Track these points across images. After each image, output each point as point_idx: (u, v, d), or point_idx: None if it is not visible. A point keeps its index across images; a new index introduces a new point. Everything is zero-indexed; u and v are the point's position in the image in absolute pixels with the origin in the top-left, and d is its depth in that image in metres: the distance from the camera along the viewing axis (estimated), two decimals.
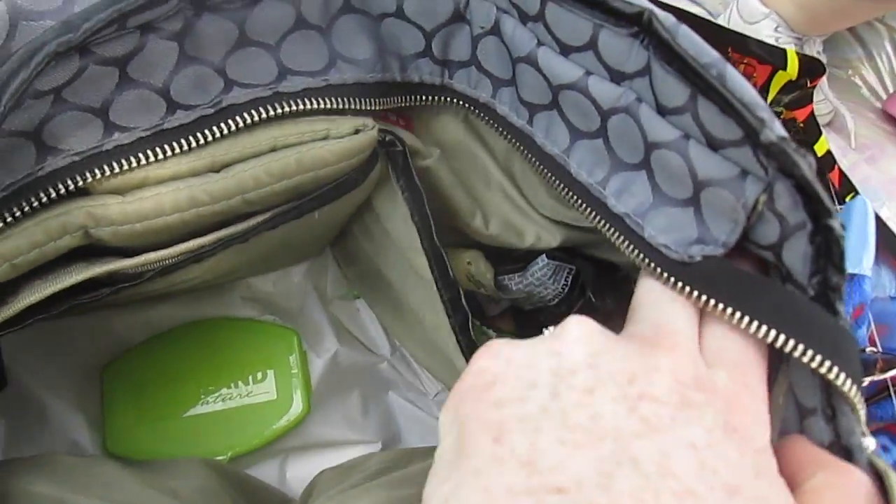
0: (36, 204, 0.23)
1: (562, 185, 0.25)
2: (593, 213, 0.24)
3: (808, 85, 0.78)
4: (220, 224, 0.27)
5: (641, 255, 0.22)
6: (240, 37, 0.24)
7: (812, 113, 0.78)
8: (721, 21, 0.83)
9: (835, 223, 0.18)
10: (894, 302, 0.65)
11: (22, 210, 0.23)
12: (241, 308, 0.41)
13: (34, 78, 0.20)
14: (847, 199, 0.75)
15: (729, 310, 0.19)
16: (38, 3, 0.21)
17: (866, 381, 0.48)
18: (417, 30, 0.26)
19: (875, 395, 0.49)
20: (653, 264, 0.21)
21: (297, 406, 0.39)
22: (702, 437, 0.16)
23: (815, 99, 0.78)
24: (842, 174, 0.77)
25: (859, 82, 0.84)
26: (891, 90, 0.81)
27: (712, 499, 0.16)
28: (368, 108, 0.26)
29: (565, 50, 0.23)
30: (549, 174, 0.25)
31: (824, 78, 0.78)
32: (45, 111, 0.22)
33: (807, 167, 0.18)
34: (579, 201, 0.24)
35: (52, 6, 0.21)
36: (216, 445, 0.38)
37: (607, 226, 0.23)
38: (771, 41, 0.80)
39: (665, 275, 0.21)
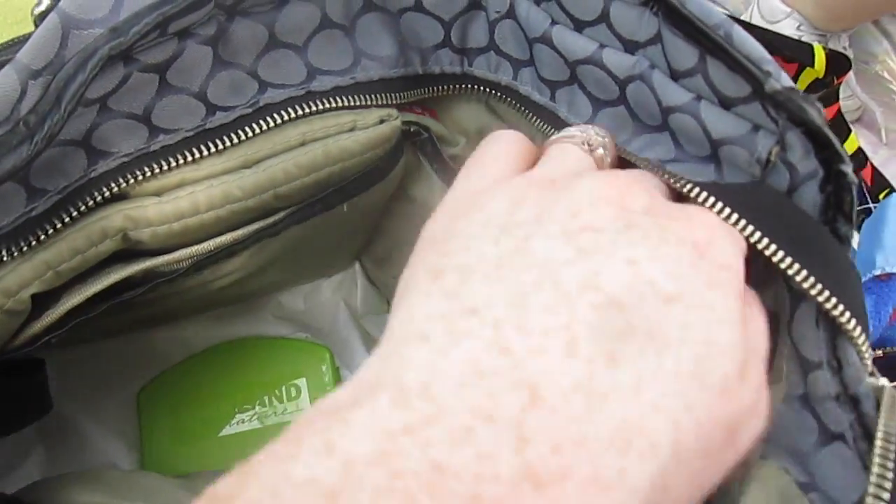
0: (83, 208, 0.26)
1: None
2: None
3: (834, 82, 0.80)
4: (253, 221, 0.29)
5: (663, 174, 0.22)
6: (270, 39, 0.27)
7: (839, 111, 0.80)
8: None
9: (847, 168, 0.19)
10: None
11: (70, 215, 0.25)
12: (273, 326, 0.43)
13: (90, 82, 0.23)
14: (881, 197, 0.76)
15: (735, 216, 0.19)
16: (87, 12, 0.23)
17: None
18: (436, 21, 0.29)
19: None
20: (670, 178, 0.22)
21: None
22: (643, 254, 0.18)
23: (842, 95, 0.80)
24: (874, 171, 0.78)
25: (887, 76, 0.85)
26: None
27: (642, 306, 0.17)
28: (393, 102, 0.29)
29: (579, 25, 0.25)
30: None
31: (851, 73, 0.80)
32: (91, 120, 0.25)
33: (816, 113, 0.19)
34: None
35: (99, 15, 0.23)
36: None
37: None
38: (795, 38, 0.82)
39: (686, 185, 0.21)
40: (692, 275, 0.18)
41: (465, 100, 0.32)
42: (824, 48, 0.79)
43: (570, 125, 0.27)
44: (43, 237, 0.25)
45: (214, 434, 0.40)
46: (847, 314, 0.19)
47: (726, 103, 0.22)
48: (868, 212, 0.71)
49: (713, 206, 0.20)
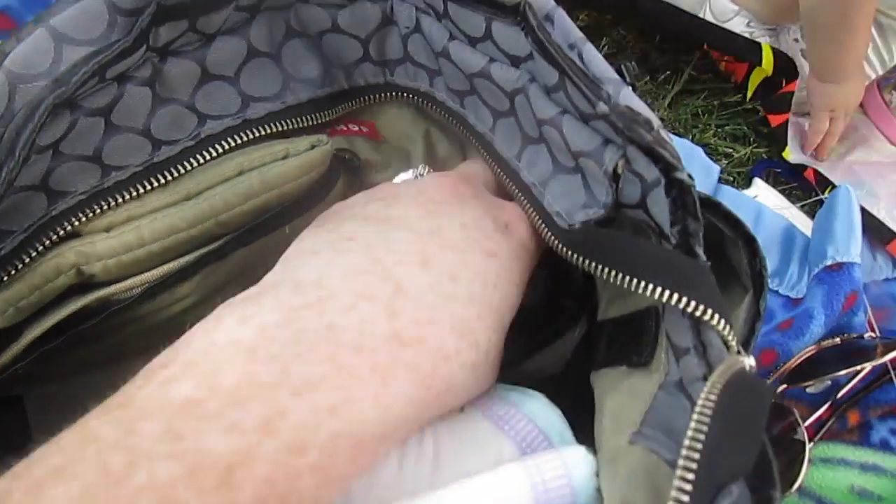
0: (41, 248, 0.28)
1: (491, 161, 0.30)
2: (510, 182, 0.29)
3: (784, 86, 0.83)
4: (199, 248, 0.32)
5: (540, 221, 0.27)
6: (203, 73, 0.30)
7: (786, 121, 0.84)
8: None
9: (682, 175, 0.22)
10: (890, 283, 0.66)
11: (29, 255, 0.28)
12: None
13: (40, 129, 0.25)
14: (827, 192, 0.78)
15: (589, 260, 0.24)
16: (30, 68, 0.25)
17: (867, 366, 0.50)
18: (354, 39, 0.31)
19: (877, 380, 0.52)
20: (546, 229, 0.27)
21: None
22: (471, 221, 0.25)
23: (797, 86, 0.84)
24: (815, 171, 0.81)
25: None
26: (877, 68, 0.85)
27: (471, 253, 0.24)
28: (326, 119, 0.32)
29: (472, 42, 0.28)
30: (483, 150, 0.30)
31: (805, 66, 0.84)
32: (47, 165, 0.28)
33: (644, 131, 0.22)
34: (501, 173, 0.29)
35: (42, 69, 0.26)
36: None
37: (520, 195, 0.28)
38: (746, 36, 0.85)
39: (554, 240, 0.26)
40: (505, 244, 0.26)
41: (396, 106, 0.35)
42: (772, 47, 0.82)
43: (478, 131, 0.30)
44: (6, 278, 0.27)
45: None
46: (701, 307, 0.21)
47: (585, 118, 0.24)
48: (820, 203, 0.73)
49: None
